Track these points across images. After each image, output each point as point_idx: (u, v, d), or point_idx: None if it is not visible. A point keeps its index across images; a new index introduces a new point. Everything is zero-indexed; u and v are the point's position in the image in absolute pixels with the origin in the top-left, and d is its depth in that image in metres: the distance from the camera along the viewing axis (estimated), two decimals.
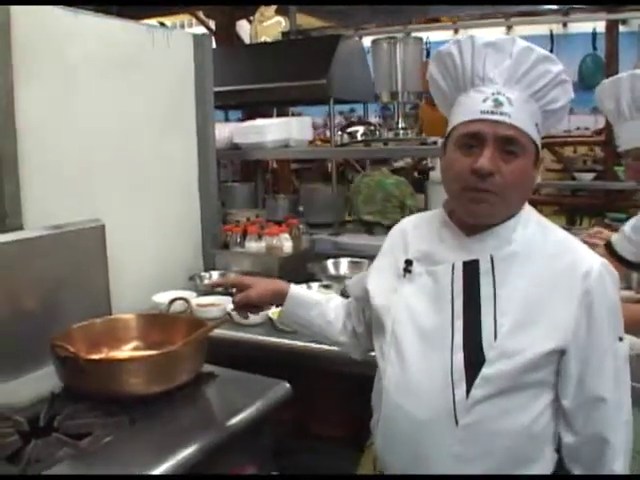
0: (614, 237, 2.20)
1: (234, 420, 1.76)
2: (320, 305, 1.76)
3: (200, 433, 1.68)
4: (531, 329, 1.33)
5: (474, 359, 1.34)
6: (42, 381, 1.91)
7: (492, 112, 1.33)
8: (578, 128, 9.14)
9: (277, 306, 1.86)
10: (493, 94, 1.34)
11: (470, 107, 1.36)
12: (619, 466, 1.35)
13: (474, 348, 1.34)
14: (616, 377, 1.35)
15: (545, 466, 1.39)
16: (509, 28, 7.06)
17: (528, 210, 1.43)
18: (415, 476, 1.39)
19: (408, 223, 1.62)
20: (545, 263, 1.37)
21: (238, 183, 4.59)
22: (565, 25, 7.23)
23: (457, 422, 1.33)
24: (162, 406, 1.77)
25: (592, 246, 2.50)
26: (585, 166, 6.88)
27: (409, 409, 1.39)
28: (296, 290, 1.78)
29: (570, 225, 6.67)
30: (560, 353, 1.33)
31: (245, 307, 1.77)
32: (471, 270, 1.39)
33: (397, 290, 1.48)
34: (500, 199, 1.34)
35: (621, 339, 1.37)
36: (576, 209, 6.98)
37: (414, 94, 3.32)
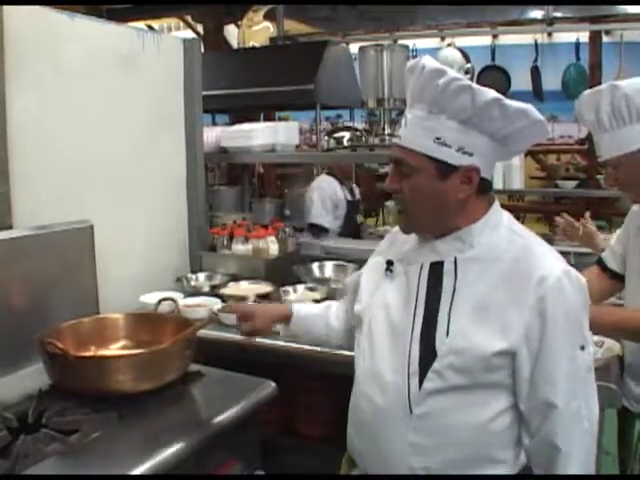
0: (604, 253, 2.26)
1: (220, 418, 1.79)
2: (323, 318, 1.86)
3: (187, 430, 1.71)
4: (481, 329, 1.37)
5: (427, 353, 1.41)
6: (30, 378, 1.93)
7: (396, 135, 1.47)
8: (562, 136, 9.25)
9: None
10: (404, 117, 1.45)
11: None
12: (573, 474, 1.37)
13: (428, 343, 1.41)
14: (572, 386, 1.36)
15: (510, 469, 1.43)
16: (494, 37, 7.13)
17: (498, 215, 1.47)
18: (405, 476, 1.44)
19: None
20: (505, 267, 1.40)
21: (225, 187, 4.62)
22: (550, 35, 7.31)
23: (411, 411, 1.41)
24: (150, 403, 1.80)
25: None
26: (568, 174, 6.96)
27: (372, 397, 1.48)
28: (299, 310, 1.87)
29: (553, 232, 6.74)
30: (511, 356, 1.36)
31: (252, 335, 1.86)
32: (436, 270, 1.46)
33: (379, 287, 1.57)
34: (409, 214, 1.47)
35: (583, 348, 1.37)
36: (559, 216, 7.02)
37: (400, 100, 3.35)
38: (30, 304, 2.14)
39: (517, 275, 1.38)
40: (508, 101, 1.37)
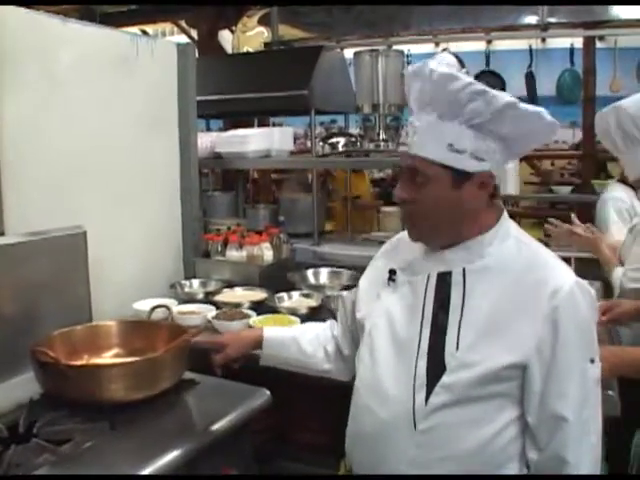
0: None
1: (214, 427, 1.77)
2: (296, 341, 1.81)
3: (180, 439, 1.69)
4: (492, 342, 1.34)
5: (435, 367, 1.37)
6: (21, 387, 1.90)
7: (404, 143, 1.41)
8: (556, 142, 9.26)
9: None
10: (410, 124, 1.41)
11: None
12: None
13: (436, 356, 1.38)
14: (582, 398, 1.33)
15: None
16: (489, 42, 7.14)
17: (507, 224, 1.44)
18: (400, 476, 1.41)
19: (404, 233, 1.63)
20: (515, 278, 1.37)
21: (219, 192, 4.59)
22: (544, 40, 7.32)
23: (415, 426, 1.37)
24: (143, 412, 1.77)
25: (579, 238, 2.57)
26: (563, 179, 6.97)
27: (374, 409, 1.44)
28: (270, 333, 1.85)
29: (548, 237, 6.75)
30: (522, 368, 1.34)
31: (227, 364, 1.83)
32: (444, 281, 1.42)
33: (380, 296, 1.53)
34: (422, 224, 1.44)
35: (593, 361, 1.35)
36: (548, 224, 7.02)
37: (395, 106, 3.34)
38: (21, 311, 2.11)
39: (528, 286, 1.36)
40: (523, 105, 1.34)
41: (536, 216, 7.53)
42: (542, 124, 1.38)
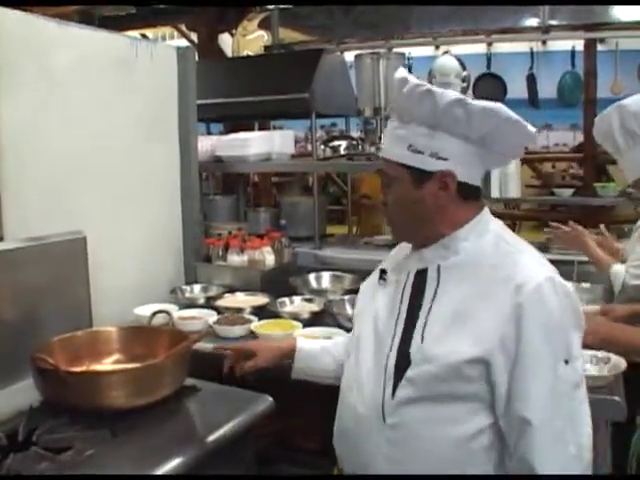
0: None
1: (216, 434, 1.75)
2: (329, 352, 1.79)
3: (182, 447, 1.67)
4: (457, 335, 1.35)
5: (402, 361, 1.40)
6: (20, 394, 1.88)
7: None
8: (557, 144, 9.26)
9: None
10: (385, 130, 1.51)
11: None
12: None
13: (404, 351, 1.41)
14: (552, 402, 1.29)
15: None
16: (489, 45, 7.13)
17: (486, 221, 1.46)
18: (402, 476, 1.41)
19: None
20: (486, 273, 1.38)
21: (220, 196, 4.57)
22: (544, 43, 7.31)
23: (385, 420, 1.40)
24: (144, 419, 1.75)
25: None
26: (564, 182, 6.95)
27: (354, 404, 1.48)
28: (303, 344, 1.83)
29: (548, 241, 6.72)
30: (485, 365, 1.31)
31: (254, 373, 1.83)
32: (421, 278, 1.46)
33: (374, 296, 1.58)
34: (395, 224, 1.52)
35: (567, 362, 1.30)
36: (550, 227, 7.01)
37: None
38: (21, 317, 2.09)
39: (496, 282, 1.35)
40: (472, 101, 1.37)
41: (537, 219, 7.52)
42: (499, 120, 1.37)
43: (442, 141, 1.39)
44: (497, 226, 1.48)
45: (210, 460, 1.70)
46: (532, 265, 1.38)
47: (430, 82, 3.10)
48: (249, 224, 3.85)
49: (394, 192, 1.45)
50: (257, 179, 6.27)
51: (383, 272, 1.57)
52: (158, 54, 2.90)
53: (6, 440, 1.63)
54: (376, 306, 1.54)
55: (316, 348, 1.82)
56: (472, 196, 1.44)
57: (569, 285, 1.38)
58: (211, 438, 1.73)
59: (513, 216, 7.24)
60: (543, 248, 3.68)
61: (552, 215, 6.99)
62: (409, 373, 1.38)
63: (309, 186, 5.71)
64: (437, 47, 6.66)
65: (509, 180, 4.55)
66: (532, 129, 1.44)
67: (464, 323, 1.35)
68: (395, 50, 4.03)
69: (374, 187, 5.53)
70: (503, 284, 1.34)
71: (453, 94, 1.37)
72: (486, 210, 1.47)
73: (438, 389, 1.35)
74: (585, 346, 1.70)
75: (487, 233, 1.44)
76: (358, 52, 3.49)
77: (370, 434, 1.43)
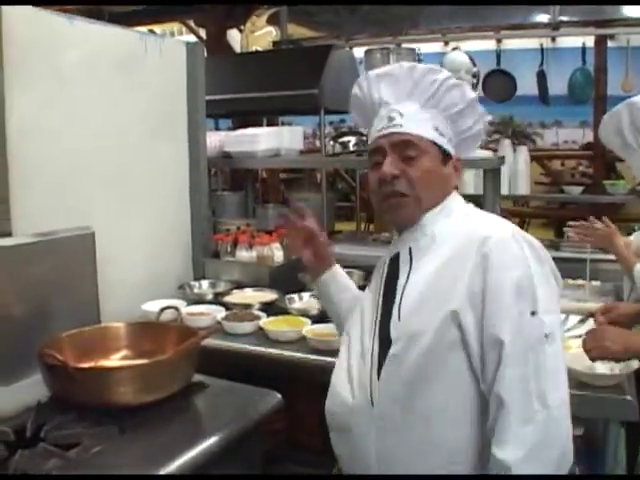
0: None
1: (224, 431, 1.74)
2: (353, 292, 1.85)
3: (190, 444, 1.65)
4: (431, 302, 1.40)
5: (384, 342, 1.44)
6: (29, 390, 1.86)
7: (387, 127, 1.50)
8: (566, 141, 9.22)
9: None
10: (387, 113, 1.52)
11: (372, 132, 1.56)
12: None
13: (385, 332, 1.44)
14: (519, 351, 1.30)
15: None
16: (499, 41, 7.09)
17: (452, 202, 1.54)
18: (408, 476, 1.41)
19: None
20: (455, 244, 1.44)
21: (228, 192, 4.57)
22: (553, 40, 7.27)
23: (372, 403, 1.42)
24: (152, 416, 1.74)
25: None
26: (574, 179, 6.92)
27: (344, 396, 1.50)
28: (339, 270, 1.89)
29: (559, 237, 6.70)
30: (458, 322, 1.35)
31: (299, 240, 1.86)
32: (395, 263, 1.53)
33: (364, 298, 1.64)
34: (413, 199, 1.49)
35: (534, 313, 1.32)
36: (564, 222, 6.98)
37: None
38: (29, 313, 2.07)
39: (465, 247, 1.41)
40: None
41: (546, 216, 7.50)
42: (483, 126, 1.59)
43: (452, 128, 1.54)
44: (461, 205, 1.56)
45: (218, 458, 1.68)
46: (497, 222, 1.47)
47: None
48: (257, 220, 3.85)
49: (423, 162, 1.48)
50: (265, 175, 6.26)
51: (369, 273, 1.67)
52: (167, 49, 2.88)
53: (14, 436, 1.62)
54: (363, 300, 1.62)
55: (346, 281, 1.88)
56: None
57: (535, 240, 1.42)
58: (219, 435, 1.71)
59: (522, 213, 7.22)
60: (553, 246, 3.68)
61: (561, 213, 6.98)
62: (391, 351, 1.41)
63: (317, 182, 5.71)
64: (446, 43, 6.64)
65: (519, 177, 4.54)
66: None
67: (436, 289, 1.41)
68: (404, 46, 4.01)
69: None
70: (470, 243, 1.40)
71: (474, 93, 1.51)
72: (454, 194, 1.56)
73: (422, 362, 1.37)
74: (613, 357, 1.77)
75: (453, 213, 1.52)
76: (368, 48, 3.45)
77: (360, 422, 1.44)
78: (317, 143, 7.25)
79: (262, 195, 5.36)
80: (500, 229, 1.42)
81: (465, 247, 1.40)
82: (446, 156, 1.52)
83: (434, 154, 1.49)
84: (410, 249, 1.51)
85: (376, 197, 1.54)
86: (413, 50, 3.41)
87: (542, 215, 7.52)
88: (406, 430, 1.39)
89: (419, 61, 5.58)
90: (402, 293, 1.46)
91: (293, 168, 6.06)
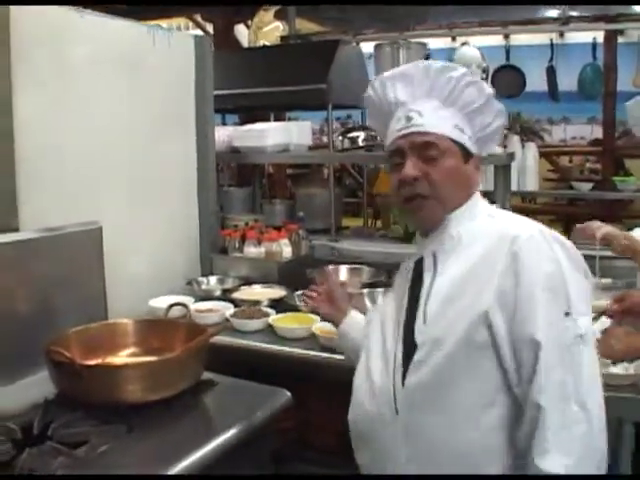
0: None
1: (234, 430, 1.71)
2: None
3: (199, 443, 1.63)
4: (457, 304, 1.35)
5: (409, 347, 1.40)
6: (36, 387, 1.84)
7: (405, 127, 1.46)
8: (574, 138, 9.17)
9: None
10: (404, 113, 1.48)
11: (390, 133, 1.51)
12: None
13: (409, 337, 1.40)
14: (555, 353, 1.25)
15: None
16: (506, 37, 7.05)
17: (475, 204, 1.49)
18: (412, 476, 1.39)
19: None
20: (483, 246, 1.39)
21: (235, 187, 4.54)
22: (561, 35, 7.21)
23: (397, 411, 1.38)
24: (160, 414, 1.72)
25: None
26: (582, 176, 6.87)
27: (366, 405, 1.46)
28: (356, 313, 1.87)
29: (565, 233, 6.65)
30: (487, 323, 1.30)
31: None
32: (419, 267, 1.49)
33: (387, 296, 1.64)
34: (436, 201, 1.45)
35: (568, 314, 1.27)
36: (572, 218, 6.96)
37: None
38: (36, 309, 2.06)
39: (492, 245, 1.37)
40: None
41: (554, 213, 7.45)
42: (502, 122, 1.55)
43: (471, 127, 1.50)
44: (486, 206, 1.52)
45: (227, 457, 1.66)
46: (524, 222, 1.42)
47: None
48: (265, 216, 3.82)
49: (444, 162, 1.44)
50: (272, 171, 6.23)
51: (378, 270, 1.63)
52: (175, 43, 2.85)
53: (21, 434, 1.60)
54: (385, 304, 1.59)
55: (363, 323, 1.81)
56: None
57: (565, 239, 1.38)
58: (229, 434, 1.69)
59: (530, 210, 7.17)
60: None
61: (570, 209, 6.94)
62: (416, 356, 1.37)
63: (324, 178, 5.69)
64: (453, 39, 6.60)
65: (527, 173, 4.51)
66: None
67: (464, 291, 1.36)
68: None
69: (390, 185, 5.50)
70: (497, 243, 1.36)
71: (490, 88, 1.48)
72: (477, 193, 1.52)
73: (447, 367, 1.33)
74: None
75: (477, 215, 1.48)
76: (377, 42, 3.41)
77: (384, 432, 1.40)
78: (324, 139, 7.23)
79: (269, 191, 5.33)
80: (528, 228, 1.37)
81: (493, 248, 1.36)
82: (468, 154, 1.48)
83: (456, 153, 1.45)
84: (435, 252, 1.47)
85: (397, 199, 1.51)
86: (424, 45, 3.36)
87: (550, 212, 7.46)
88: (433, 439, 1.34)
89: (427, 57, 5.55)
90: (427, 297, 1.41)
91: (300, 164, 6.01)
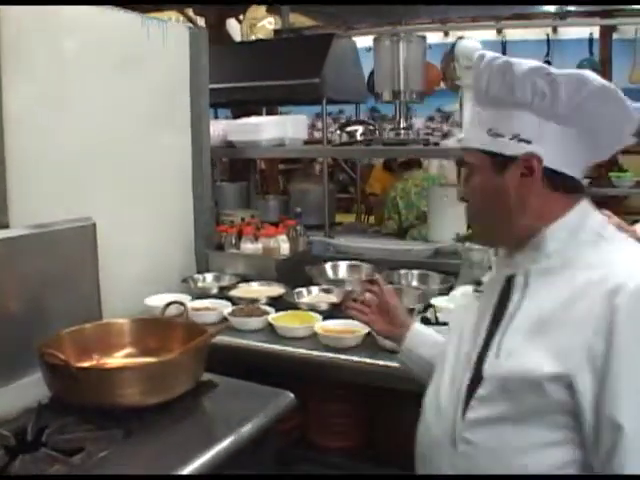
0: None
1: (236, 433, 1.64)
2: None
3: (200, 449, 1.56)
4: (535, 348, 1.15)
5: (475, 377, 1.23)
6: (28, 390, 1.77)
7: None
8: None
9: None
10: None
11: None
12: None
13: (478, 366, 1.24)
14: None
15: None
16: (499, 32, 7.00)
17: (581, 217, 1.24)
18: (412, 476, 1.34)
19: None
20: (580, 277, 1.16)
21: (227, 183, 4.46)
22: (555, 30, 7.17)
23: (455, 445, 1.23)
24: (159, 418, 1.65)
25: None
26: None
27: (430, 425, 1.33)
28: (420, 327, 1.70)
29: None
30: (567, 385, 1.10)
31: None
32: (509, 286, 1.28)
33: (467, 311, 1.43)
34: (476, 223, 1.37)
35: None
36: None
37: (417, 93, 3.20)
38: (28, 309, 1.98)
39: (589, 285, 1.14)
40: (554, 69, 1.19)
41: None
42: (587, 92, 1.17)
43: (524, 121, 1.21)
44: (597, 222, 1.25)
45: (230, 462, 1.59)
46: (631, 267, 1.15)
47: (452, 66, 2.99)
48: (258, 211, 3.76)
49: (474, 181, 1.28)
50: (264, 166, 6.16)
51: (479, 283, 1.46)
52: (170, 34, 2.77)
53: (14, 440, 1.52)
54: (465, 320, 1.39)
55: (431, 336, 1.65)
56: (564, 187, 1.23)
57: None
58: (231, 439, 1.62)
59: None
60: None
61: None
62: (480, 391, 1.20)
63: (316, 174, 5.63)
64: (446, 34, 6.53)
65: None
66: (632, 108, 1.21)
67: (547, 333, 1.15)
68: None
69: (383, 182, 5.47)
70: (596, 286, 1.12)
71: (531, 62, 1.20)
72: (584, 203, 1.25)
73: (512, 411, 1.16)
74: None
75: (582, 231, 1.22)
76: (376, 35, 3.34)
77: (442, 460, 1.26)
78: (315, 134, 7.16)
79: (261, 186, 5.27)
80: (634, 275, 1.11)
81: (592, 287, 1.13)
82: (505, 160, 1.23)
83: (485, 165, 1.26)
84: (528, 271, 1.24)
85: None
86: (424, 37, 3.29)
87: None
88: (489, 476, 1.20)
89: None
90: (508, 323, 1.22)
91: (292, 159, 5.95)
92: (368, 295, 1.74)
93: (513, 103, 1.22)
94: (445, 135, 3.25)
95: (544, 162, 1.20)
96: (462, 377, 1.27)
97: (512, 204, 1.24)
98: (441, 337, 1.62)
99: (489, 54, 1.26)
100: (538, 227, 1.24)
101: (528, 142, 1.21)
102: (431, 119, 9.25)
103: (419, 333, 1.64)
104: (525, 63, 1.20)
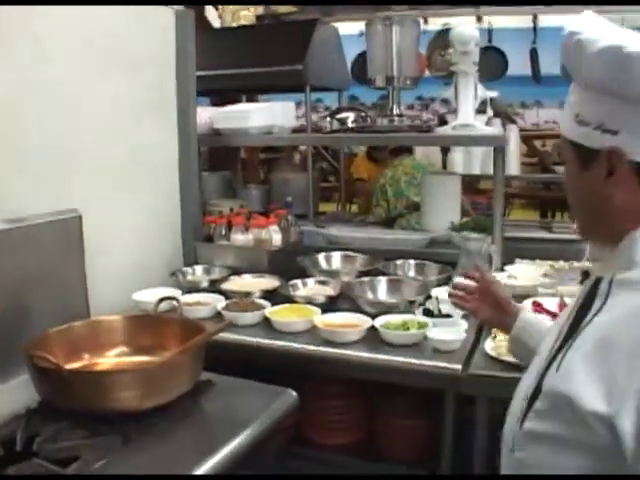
0: None
1: (239, 436, 1.56)
2: None
3: (201, 452, 1.47)
4: (589, 374, 0.99)
5: (536, 388, 1.12)
6: (14, 394, 1.66)
7: None
8: (547, 122, 9.10)
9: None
10: None
11: None
12: None
13: (541, 376, 1.12)
14: None
15: None
16: (479, 19, 6.94)
17: None
18: (419, 476, 1.30)
19: None
20: None
21: (207, 172, 4.34)
22: (536, 17, 7.14)
23: (513, 450, 1.14)
24: (158, 422, 1.56)
25: None
26: (560, 159, 6.82)
27: (507, 418, 1.22)
28: (527, 313, 1.63)
29: (542, 218, 6.61)
30: (609, 426, 0.94)
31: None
32: (594, 290, 1.12)
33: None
34: (575, 217, 1.21)
35: None
36: (548, 202, 6.91)
37: (411, 79, 3.10)
38: (10, 309, 1.84)
39: None
40: (633, 48, 0.98)
41: (530, 196, 7.40)
42: None
43: (611, 107, 1.02)
44: None
45: (231, 465, 1.50)
46: None
47: (448, 53, 2.90)
48: (245, 202, 3.66)
49: (565, 175, 1.16)
50: (244, 155, 6.03)
51: (586, 275, 1.26)
52: (154, 17, 2.65)
53: (2, 450, 1.42)
54: (561, 316, 1.27)
55: (542, 322, 1.59)
56: None
57: None
58: (234, 442, 1.53)
59: (506, 194, 7.09)
60: (545, 227, 3.55)
61: (547, 193, 6.86)
62: (537, 404, 1.08)
63: (296, 163, 5.54)
64: (425, 20, 6.46)
65: (509, 157, 4.41)
66: None
67: (606, 360, 0.97)
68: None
69: (368, 169, 5.39)
70: None
71: (608, 40, 1.01)
72: None
73: (562, 431, 1.02)
74: None
75: None
76: (368, 20, 3.24)
77: (504, 457, 1.19)
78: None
79: (242, 175, 5.16)
80: None
81: None
82: (589, 153, 1.07)
83: (574, 158, 1.11)
84: (614, 277, 1.07)
85: None
86: (417, 22, 3.20)
87: (526, 195, 7.41)
88: None
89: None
90: (577, 334, 1.06)
91: (272, 147, 5.86)
92: (470, 282, 1.69)
93: (600, 87, 1.04)
94: (444, 122, 3.16)
95: (631, 155, 1.03)
96: (528, 384, 1.16)
97: (597, 204, 1.10)
98: (550, 323, 1.51)
99: (567, 28, 1.08)
100: (627, 230, 1.07)
101: (614, 133, 1.03)
102: (410, 107, 9.16)
103: (527, 321, 1.58)
104: (599, 40, 1.02)
